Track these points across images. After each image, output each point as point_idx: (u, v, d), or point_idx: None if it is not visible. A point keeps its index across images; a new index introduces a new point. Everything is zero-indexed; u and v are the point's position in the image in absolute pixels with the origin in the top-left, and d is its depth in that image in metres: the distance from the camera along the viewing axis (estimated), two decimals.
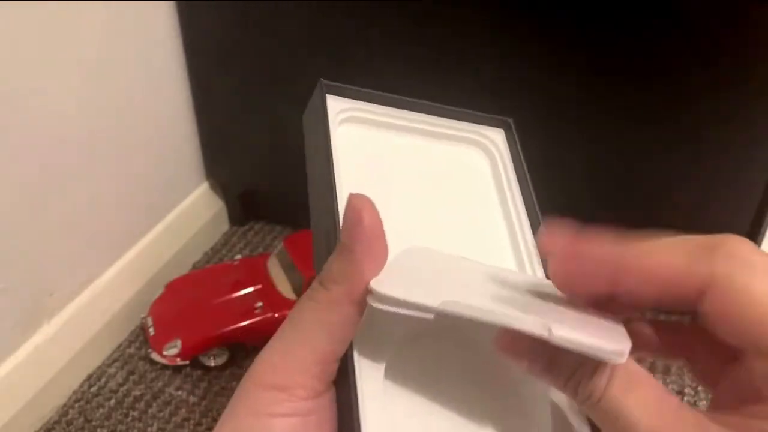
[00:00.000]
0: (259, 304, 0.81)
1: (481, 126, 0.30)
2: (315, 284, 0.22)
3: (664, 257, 0.20)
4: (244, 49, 0.83)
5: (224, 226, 1.04)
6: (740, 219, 0.75)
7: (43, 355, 0.73)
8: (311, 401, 0.21)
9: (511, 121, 0.30)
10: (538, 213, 0.28)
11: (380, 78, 0.76)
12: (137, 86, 0.81)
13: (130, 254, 0.85)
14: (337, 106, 0.26)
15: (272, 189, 1.00)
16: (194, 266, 0.97)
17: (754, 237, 0.75)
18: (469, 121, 0.30)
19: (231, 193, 1.01)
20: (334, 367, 0.21)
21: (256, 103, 0.88)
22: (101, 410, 0.76)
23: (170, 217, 0.92)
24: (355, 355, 0.21)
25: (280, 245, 0.88)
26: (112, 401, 0.77)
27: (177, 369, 0.80)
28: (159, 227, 0.90)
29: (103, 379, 0.79)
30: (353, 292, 0.21)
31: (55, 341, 0.74)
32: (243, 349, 0.82)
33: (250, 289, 0.83)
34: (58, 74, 0.68)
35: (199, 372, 0.80)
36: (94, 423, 0.74)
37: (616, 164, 0.77)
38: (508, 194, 0.29)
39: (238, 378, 0.87)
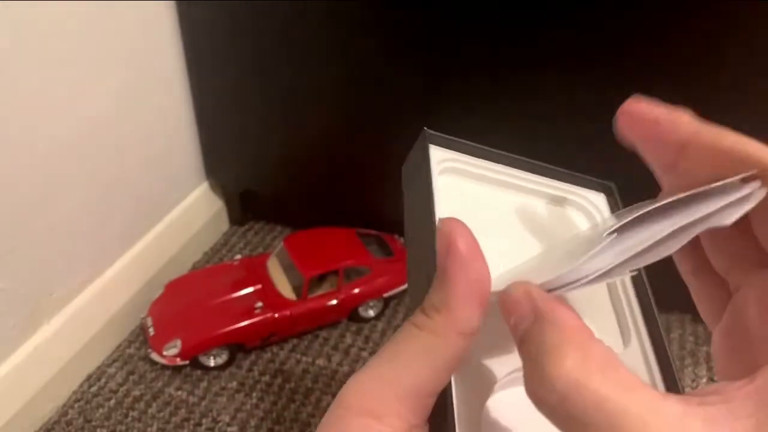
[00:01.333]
0: (259, 304, 0.81)
1: (581, 188, 0.29)
2: (418, 311, 0.21)
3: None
4: (244, 50, 0.83)
5: (224, 226, 1.04)
6: None
7: (43, 355, 0.73)
8: None
9: (613, 185, 0.29)
10: (647, 287, 0.26)
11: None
12: (137, 86, 0.81)
13: (130, 254, 0.85)
14: (438, 156, 0.26)
15: (272, 189, 1.00)
16: (194, 266, 0.97)
17: None
18: (569, 182, 0.29)
19: (231, 192, 1.01)
20: (431, 401, 0.20)
21: (256, 103, 0.87)
22: (101, 410, 0.76)
23: (170, 217, 0.92)
24: (454, 395, 0.20)
25: (280, 245, 0.88)
26: (112, 401, 0.77)
27: (177, 369, 0.80)
28: (159, 227, 0.90)
29: (103, 380, 0.79)
30: (455, 319, 0.20)
31: (55, 341, 0.74)
32: (243, 349, 0.82)
33: (250, 289, 0.83)
34: (58, 74, 0.68)
35: (198, 372, 0.80)
36: (93, 423, 0.74)
37: None
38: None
39: (238, 378, 0.87)
